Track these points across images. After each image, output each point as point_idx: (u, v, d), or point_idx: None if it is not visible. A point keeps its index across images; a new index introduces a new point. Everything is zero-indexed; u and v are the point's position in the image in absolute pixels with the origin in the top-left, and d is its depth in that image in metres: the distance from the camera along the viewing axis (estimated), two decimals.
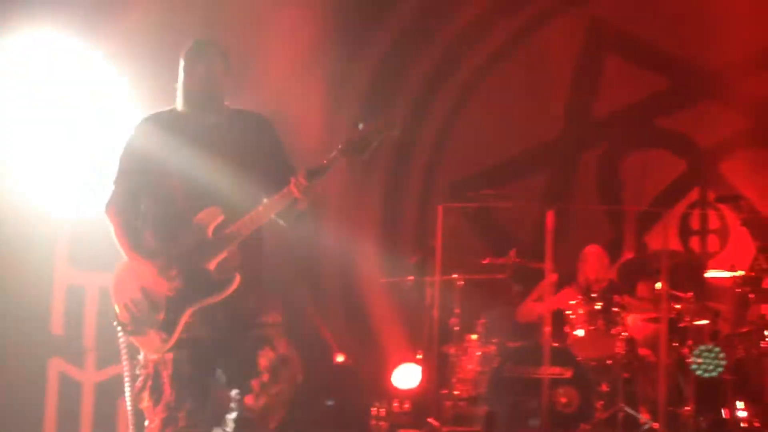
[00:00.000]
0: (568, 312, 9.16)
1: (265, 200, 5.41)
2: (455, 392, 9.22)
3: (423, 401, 9.65)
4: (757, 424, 8.84)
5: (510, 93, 11.17)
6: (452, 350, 9.39)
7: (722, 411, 8.97)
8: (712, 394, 9.00)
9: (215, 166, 5.48)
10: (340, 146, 5.25)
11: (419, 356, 9.83)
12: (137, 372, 5.56)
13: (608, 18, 11.29)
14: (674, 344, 9.08)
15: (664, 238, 9.23)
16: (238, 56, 5.82)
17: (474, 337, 9.32)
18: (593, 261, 9.84)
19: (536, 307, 9.66)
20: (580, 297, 9.23)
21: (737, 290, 9.31)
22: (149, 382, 5.46)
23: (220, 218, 5.39)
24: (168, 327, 5.37)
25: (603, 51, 11.36)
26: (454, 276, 9.53)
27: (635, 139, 11.33)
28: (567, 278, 9.81)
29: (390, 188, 11.32)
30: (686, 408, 8.85)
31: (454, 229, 9.54)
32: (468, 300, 9.53)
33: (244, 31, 9.20)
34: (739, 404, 8.96)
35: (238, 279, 5.35)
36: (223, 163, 5.49)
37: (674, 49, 11.19)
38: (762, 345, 8.93)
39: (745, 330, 9.18)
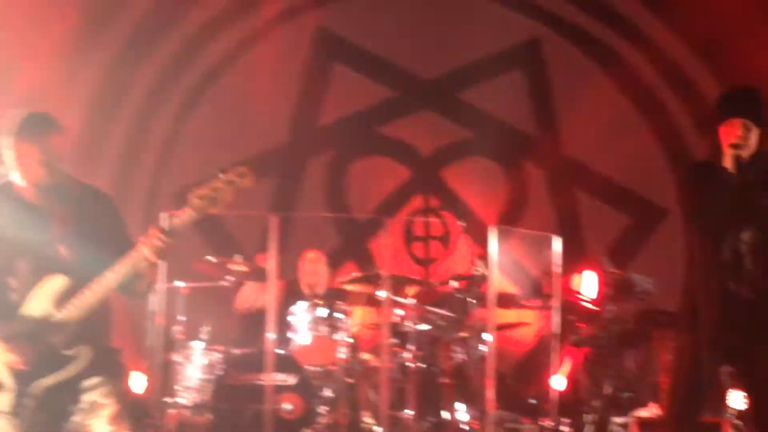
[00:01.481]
0: (291, 318, 9.18)
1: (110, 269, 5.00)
2: (179, 400, 9.09)
3: (147, 409, 9.49)
4: (475, 425, 9.08)
5: (236, 100, 11.14)
6: (176, 358, 9.26)
7: (443, 414, 9.17)
8: (433, 398, 9.19)
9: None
10: (190, 201, 4.94)
11: (144, 365, 9.67)
12: None
13: (333, 28, 11.42)
14: (396, 349, 9.22)
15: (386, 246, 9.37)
16: None
17: (198, 344, 9.22)
18: (311, 266, 9.92)
19: (255, 294, 9.68)
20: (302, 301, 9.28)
21: (457, 296, 9.52)
22: None
23: (64, 288, 4.99)
24: (14, 410, 4.90)
25: (329, 60, 11.47)
26: (179, 283, 9.41)
27: (360, 147, 11.49)
28: (293, 285, 9.85)
29: (115, 194, 11.10)
30: (408, 412, 9.00)
31: (179, 235, 9.40)
32: (193, 307, 9.43)
33: None
34: (459, 407, 9.19)
35: (87, 355, 4.99)
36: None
37: (396, 59, 11.41)
38: (480, 349, 9.18)
39: (465, 335, 9.41)
